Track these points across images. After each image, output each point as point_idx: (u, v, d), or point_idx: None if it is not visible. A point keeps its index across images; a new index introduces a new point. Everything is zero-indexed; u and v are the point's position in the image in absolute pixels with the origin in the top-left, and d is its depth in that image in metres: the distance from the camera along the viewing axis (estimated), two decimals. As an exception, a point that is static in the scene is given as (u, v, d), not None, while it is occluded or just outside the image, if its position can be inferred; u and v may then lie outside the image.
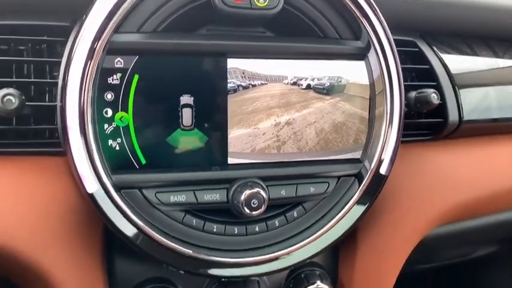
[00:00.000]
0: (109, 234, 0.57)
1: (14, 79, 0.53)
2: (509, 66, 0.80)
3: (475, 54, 0.79)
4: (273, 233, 0.56)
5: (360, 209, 0.57)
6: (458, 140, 0.73)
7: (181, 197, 0.52)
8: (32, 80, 0.53)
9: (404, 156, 0.66)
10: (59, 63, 0.52)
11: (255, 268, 0.55)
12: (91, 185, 0.48)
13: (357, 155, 0.59)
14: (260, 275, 0.57)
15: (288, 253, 0.56)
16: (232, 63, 0.53)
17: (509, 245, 0.93)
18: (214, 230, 0.54)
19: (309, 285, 0.62)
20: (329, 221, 0.56)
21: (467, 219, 0.75)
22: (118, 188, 0.50)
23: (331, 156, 0.58)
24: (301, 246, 0.56)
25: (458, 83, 0.70)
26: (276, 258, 0.55)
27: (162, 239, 0.51)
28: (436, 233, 0.73)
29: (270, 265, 0.55)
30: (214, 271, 0.54)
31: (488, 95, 0.75)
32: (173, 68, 0.51)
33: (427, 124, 0.69)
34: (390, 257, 0.66)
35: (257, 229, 0.55)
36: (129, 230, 0.50)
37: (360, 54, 0.57)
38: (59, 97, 0.50)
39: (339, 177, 0.58)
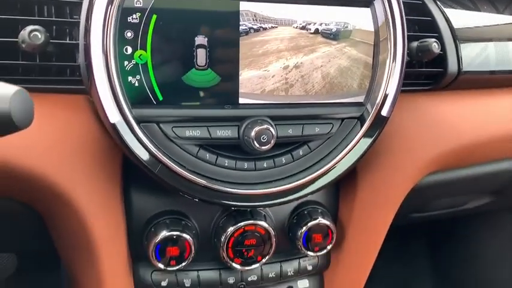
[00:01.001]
0: (126, 168, 0.62)
1: (37, 17, 0.55)
2: (509, 23, 0.83)
3: (477, 9, 0.81)
4: (280, 170, 0.61)
5: (362, 148, 0.61)
6: (457, 92, 0.76)
7: (195, 132, 0.56)
8: (55, 19, 0.56)
9: (404, 104, 0.69)
10: (79, 4, 0.55)
11: (262, 199, 0.59)
12: (113, 116, 0.52)
13: (360, 98, 0.62)
14: (267, 206, 0.61)
15: (294, 188, 0.60)
16: (244, 6, 0.56)
17: (500, 197, 0.98)
18: (226, 164, 0.58)
19: (311, 221, 0.67)
20: (333, 159, 0.60)
21: (461, 167, 0.80)
22: (138, 121, 0.53)
23: (336, 100, 0.62)
24: (306, 182, 0.60)
25: (459, 36, 0.73)
26: (282, 192, 0.60)
27: (179, 169, 0.55)
28: (430, 181, 0.78)
29: (276, 197, 0.60)
30: (226, 201, 0.58)
31: (488, 48, 0.78)
32: (189, 9, 0.54)
33: (427, 74, 0.72)
34: (387, 198, 0.71)
35: (265, 165, 0.60)
36: (148, 160, 0.54)
37: (367, 1, 0.60)
38: (82, 36, 0.53)
39: (342, 119, 0.62)
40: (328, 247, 0.68)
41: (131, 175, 0.63)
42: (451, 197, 0.89)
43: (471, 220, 1.42)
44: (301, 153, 0.61)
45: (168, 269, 0.62)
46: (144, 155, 0.53)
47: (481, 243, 1.47)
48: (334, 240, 0.68)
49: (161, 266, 0.61)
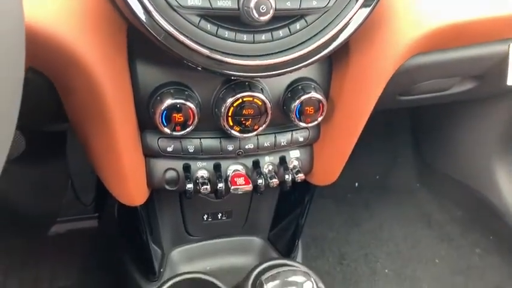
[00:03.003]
0: (131, 42, 0.65)
1: None
2: None
3: None
4: (277, 43, 0.64)
5: (359, 20, 0.64)
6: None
7: (197, 1, 0.58)
8: None
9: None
10: None
11: (260, 70, 0.64)
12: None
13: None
14: (264, 77, 0.66)
15: (290, 60, 0.64)
16: None
17: (483, 83, 1.03)
18: (226, 35, 0.61)
19: (304, 95, 0.72)
20: (329, 32, 0.63)
21: (446, 49, 0.84)
22: None
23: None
24: (302, 55, 0.64)
25: None
26: (279, 64, 0.64)
27: (182, 37, 0.58)
28: (416, 62, 0.82)
29: (273, 69, 0.64)
30: (226, 70, 0.63)
31: None
32: None
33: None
34: (377, 74, 0.75)
35: (263, 38, 0.63)
36: (153, 27, 0.57)
37: None
38: None
39: (339, -6, 0.64)
40: (319, 119, 0.75)
41: (136, 48, 0.66)
42: (436, 80, 0.94)
43: (454, 110, 1.49)
44: (298, 27, 0.63)
45: (174, 133, 0.68)
46: (149, 22, 0.56)
47: (462, 133, 1.56)
48: (324, 112, 0.74)
49: (167, 130, 0.68)
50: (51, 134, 1.27)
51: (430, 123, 1.69)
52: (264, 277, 0.55)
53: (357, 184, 1.72)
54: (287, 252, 1.09)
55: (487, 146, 1.47)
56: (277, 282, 0.55)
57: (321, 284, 0.97)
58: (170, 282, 0.88)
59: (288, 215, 1.10)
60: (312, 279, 0.56)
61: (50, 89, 0.69)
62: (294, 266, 0.74)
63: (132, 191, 0.77)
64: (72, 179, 1.38)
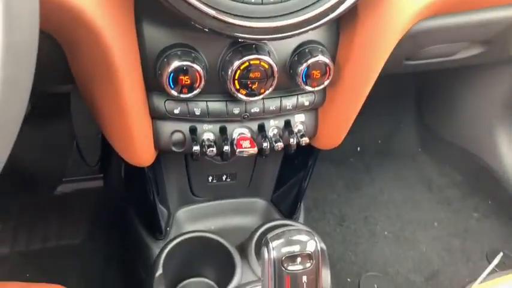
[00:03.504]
0: (138, 4, 0.64)
1: None
2: None
3: None
4: (286, 5, 0.63)
5: None
6: None
7: None
8: None
9: None
10: None
11: (268, 32, 0.63)
12: None
13: None
14: (272, 39, 0.65)
15: (298, 23, 0.64)
16: None
17: (491, 48, 1.02)
18: None
19: (311, 58, 0.72)
20: None
21: (457, 12, 0.83)
22: None
23: None
24: (310, 17, 0.64)
25: None
26: (287, 26, 0.64)
27: None
28: (425, 26, 0.81)
29: (281, 31, 0.64)
30: (234, 32, 0.62)
31: None
32: None
33: None
34: (384, 38, 0.75)
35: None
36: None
37: None
38: None
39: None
40: (326, 83, 0.75)
41: (143, 9, 0.66)
42: (443, 44, 0.94)
43: (458, 76, 1.49)
44: (307, -14, 0.63)
45: (181, 96, 0.69)
46: None
47: (466, 99, 1.56)
48: (331, 76, 0.74)
49: (174, 93, 0.68)
50: (56, 95, 1.28)
51: (434, 89, 1.69)
52: (269, 235, 0.57)
53: (359, 148, 1.74)
54: (289, 214, 1.12)
55: (489, 112, 1.48)
56: (282, 240, 0.56)
57: (322, 244, 1.00)
58: (176, 240, 0.91)
59: (291, 178, 1.12)
60: (316, 238, 0.58)
61: (57, 50, 0.68)
62: (297, 226, 0.77)
63: (140, 152, 0.78)
64: (77, 140, 1.40)
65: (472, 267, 1.34)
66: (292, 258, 0.56)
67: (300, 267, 0.56)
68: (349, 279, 1.31)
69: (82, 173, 1.44)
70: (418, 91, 1.76)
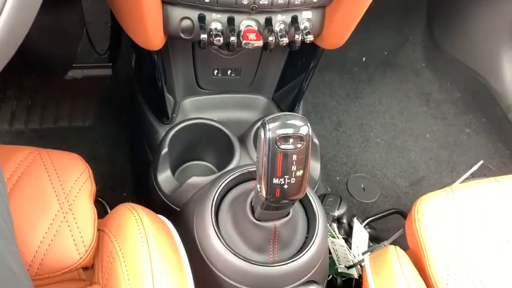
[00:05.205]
0: None
1: None
2: None
3: None
4: None
5: None
6: None
7: None
8: None
9: None
10: None
11: None
12: None
13: None
14: None
15: None
16: None
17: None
18: None
19: None
20: None
21: None
22: None
23: None
24: None
25: None
26: None
27: None
28: None
29: None
30: None
31: None
32: None
33: None
34: None
35: None
36: None
37: None
38: None
39: None
40: (335, -21, 0.76)
41: None
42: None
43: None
44: None
45: None
46: None
47: (476, 18, 1.55)
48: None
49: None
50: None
51: (446, 7, 1.66)
52: (267, 118, 0.63)
53: (364, 59, 1.75)
54: (289, 111, 1.18)
55: (497, 33, 1.48)
56: (278, 123, 0.62)
57: (316, 140, 1.07)
58: (182, 125, 0.98)
59: (293, 79, 1.15)
60: (308, 124, 0.64)
61: None
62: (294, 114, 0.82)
63: (150, 34, 0.81)
64: (87, 28, 1.41)
65: (455, 176, 1.43)
66: (285, 138, 0.62)
67: (291, 146, 0.62)
68: (338, 178, 1.41)
69: (92, 61, 1.47)
70: (430, 8, 1.73)
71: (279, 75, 1.16)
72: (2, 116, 1.38)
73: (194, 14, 0.80)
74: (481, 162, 1.44)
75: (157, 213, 0.75)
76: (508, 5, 1.40)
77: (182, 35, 0.83)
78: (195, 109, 1.13)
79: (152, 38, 0.82)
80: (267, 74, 1.14)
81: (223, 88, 1.14)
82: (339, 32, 0.90)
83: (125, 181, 1.29)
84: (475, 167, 1.42)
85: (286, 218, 0.72)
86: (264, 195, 0.64)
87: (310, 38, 0.86)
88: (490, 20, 1.50)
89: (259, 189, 0.65)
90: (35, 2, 0.48)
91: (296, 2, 0.81)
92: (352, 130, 1.55)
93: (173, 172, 1.00)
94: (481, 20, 1.53)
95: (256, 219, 0.72)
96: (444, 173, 1.47)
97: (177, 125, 0.97)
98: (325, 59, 1.01)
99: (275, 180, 0.63)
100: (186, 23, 0.81)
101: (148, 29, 0.80)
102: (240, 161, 0.96)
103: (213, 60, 1.04)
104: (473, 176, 1.38)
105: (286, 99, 1.18)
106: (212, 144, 1.03)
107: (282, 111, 1.18)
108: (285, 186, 0.63)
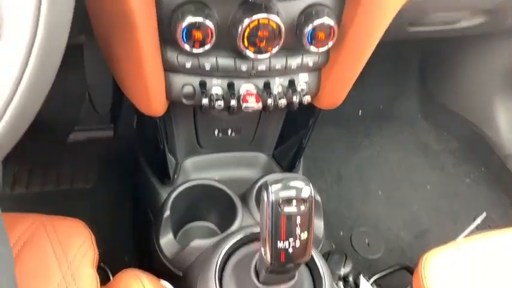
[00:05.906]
0: None
1: None
2: None
3: None
4: None
5: None
6: None
7: None
8: None
9: None
10: None
11: None
12: None
13: None
14: None
15: None
16: None
17: (493, 18, 1.05)
18: None
19: (317, 19, 0.76)
20: None
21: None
22: None
23: None
24: None
25: None
26: None
27: None
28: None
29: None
30: None
31: None
32: None
33: None
34: (388, 2, 0.79)
35: None
36: None
37: None
38: None
39: None
40: (329, 44, 0.79)
41: None
42: (446, 12, 0.97)
43: (462, 46, 1.52)
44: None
45: (193, 50, 0.73)
46: None
47: (468, 68, 1.60)
48: (335, 38, 0.78)
49: (187, 47, 0.73)
50: (69, 46, 1.32)
51: (438, 58, 1.72)
52: (269, 180, 0.64)
53: (360, 112, 1.79)
54: (289, 169, 1.19)
55: (489, 82, 1.52)
56: (280, 185, 0.63)
57: (318, 197, 1.08)
58: (183, 187, 0.98)
59: (292, 136, 1.18)
60: (310, 185, 0.64)
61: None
62: (295, 175, 0.83)
63: (153, 102, 0.84)
64: (89, 91, 1.45)
65: (459, 228, 1.42)
66: (288, 201, 0.62)
67: (294, 209, 0.63)
68: (341, 233, 1.40)
69: (93, 122, 1.50)
70: (422, 60, 1.79)
71: (278, 133, 1.18)
72: (3, 180, 1.39)
73: (195, 81, 0.83)
74: (484, 214, 1.44)
75: (159, 277, 0.74)
76: (498, 55, 1.45)
77: (184, 101, 0.85)
78: (196, 169, 1.14)
79: (155, 105, 0.85)
80: (266, 132, 1.16)
81: (223, 147, 1.16)
82: (335, 92, 0.93)
83: (126, 245, 1.27)
84: (478, 220, 1.41)
85: (292, 282, 0.71)
86: (269, 260, 0.64)
87: (307, 99, 0.88)
88: (481, 70, 1.54)
89: (263, 254, 0.65)
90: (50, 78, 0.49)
91: (293, 67, 0.85)
92: (352, 183, 1.56)
93: (175, 234, 1.00)
94: (472, 71, 1.58)
95: (262, 283, 0.71)
96: (447, 224, 1.46)
97: (178, 187, 0.98)
98: (320, 111, 1.03)
99: (280, 244, 0.63)
100: (188, 89, 0.84)
101: (151, 96, 0.83)
102: (242, 221, 0.95)
103: (214, 121, 1.07)
104: (477, 228, 1.37)
105: (286, 156, 1.20)
106: (214, 205, 1.03)
107: (283, 168, 1.19)
108: (290, 250, 0.63)
